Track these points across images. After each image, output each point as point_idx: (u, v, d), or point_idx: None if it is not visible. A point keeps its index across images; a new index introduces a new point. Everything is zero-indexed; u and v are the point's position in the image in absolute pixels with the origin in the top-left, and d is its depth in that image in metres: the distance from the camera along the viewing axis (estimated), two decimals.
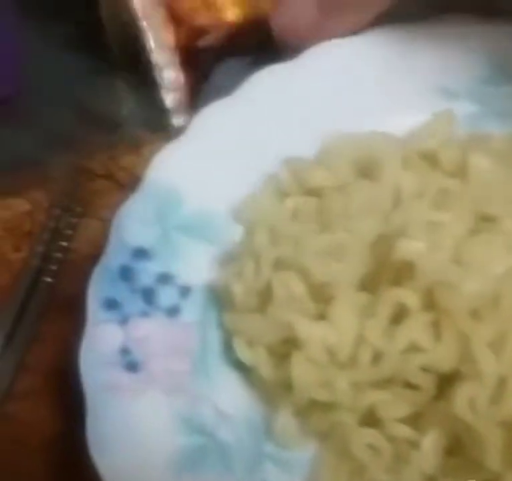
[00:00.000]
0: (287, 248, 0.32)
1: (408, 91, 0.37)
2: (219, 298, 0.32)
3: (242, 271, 0.32)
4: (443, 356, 0.29)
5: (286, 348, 0.31)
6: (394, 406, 0.29)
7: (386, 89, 0.37)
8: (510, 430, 0.27)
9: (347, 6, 0.36)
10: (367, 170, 0.35)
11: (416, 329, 0.29)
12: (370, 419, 0.30)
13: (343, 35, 0.37)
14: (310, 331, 0.30)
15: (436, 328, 0.30)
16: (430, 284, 0.30)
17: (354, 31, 0.37)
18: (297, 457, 0.30)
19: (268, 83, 0.37)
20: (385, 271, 0.31)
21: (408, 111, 0.37)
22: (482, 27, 0.37)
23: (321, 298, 0.31)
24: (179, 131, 0.36)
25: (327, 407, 0.30)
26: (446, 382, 0.29)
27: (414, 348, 0.29)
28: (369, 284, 0.32)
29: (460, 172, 0.35)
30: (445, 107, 0.36)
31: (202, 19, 0.40)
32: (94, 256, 0.32)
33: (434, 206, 0.32)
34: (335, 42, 0.38)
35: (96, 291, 0.31)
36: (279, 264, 0.32)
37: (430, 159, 0.35)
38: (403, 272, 0.31)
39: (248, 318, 0.31)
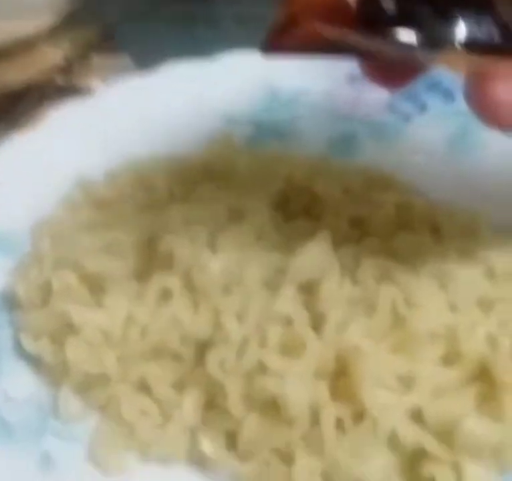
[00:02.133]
0: (66, 248, 0.36)
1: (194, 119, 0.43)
2: (9, 300, 0.36)
3: (27, 273, 0.36)
4: (199, 326, 0.33)
5: (66, 335, 0.34)
6: (161, 375, 0.33)
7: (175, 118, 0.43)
8: (250, 380, 0.32)
9: None
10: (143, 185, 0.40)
11: (177, 306, 0.34)
12: (143, 389, 0.34)
13: None
14: (85, 317, 0.34)
15: (195, 305, 0.34)
16: (187, 268, 0.34)
17: None
18: (79, 430, 0.33)
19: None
20: (154, 263, 0.36)
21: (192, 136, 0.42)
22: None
23: (98, 289, 0.35)
24: None
25: (103, 382, 0.33)
26: (204, 350, 0.33)
27: (176, 322, 0.34)
28: (144, 275, 0.36)
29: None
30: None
31: None
32: None
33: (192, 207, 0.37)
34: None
35: None
36: (59, 264, 0.36)
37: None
38: (168, 263, 0.35)
39: (33, 314, 0.35)
